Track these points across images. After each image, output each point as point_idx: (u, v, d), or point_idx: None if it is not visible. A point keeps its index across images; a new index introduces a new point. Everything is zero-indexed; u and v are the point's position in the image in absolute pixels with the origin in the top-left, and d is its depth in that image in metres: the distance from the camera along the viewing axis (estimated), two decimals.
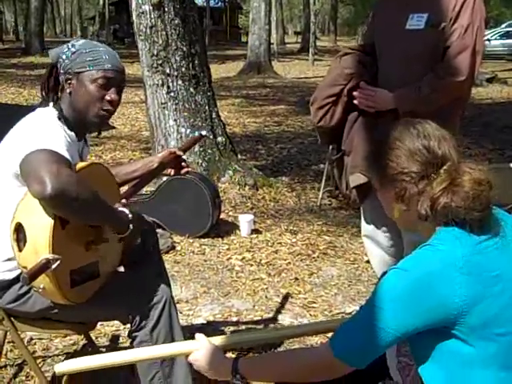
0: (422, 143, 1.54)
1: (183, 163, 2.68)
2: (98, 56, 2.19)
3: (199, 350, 1.75)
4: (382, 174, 1.60)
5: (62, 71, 2.24)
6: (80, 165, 2.11)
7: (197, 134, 2.96)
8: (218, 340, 1.84)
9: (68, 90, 2.22)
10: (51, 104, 2.25)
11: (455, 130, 2.75)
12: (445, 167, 1.52)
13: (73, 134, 2.24)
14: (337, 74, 2.91)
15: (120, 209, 2.19)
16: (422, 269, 1.45)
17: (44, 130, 2.08)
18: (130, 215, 2.19)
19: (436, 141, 1.55)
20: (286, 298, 3.79)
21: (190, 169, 2.75)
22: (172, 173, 2.67)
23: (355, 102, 2.85)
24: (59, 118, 2.20)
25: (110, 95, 2.22)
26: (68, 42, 2.31)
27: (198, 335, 1.82)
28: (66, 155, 2.02)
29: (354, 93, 2.84)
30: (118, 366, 1.86)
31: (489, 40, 25.74)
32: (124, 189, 2.60)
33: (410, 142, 1.55)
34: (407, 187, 1.55)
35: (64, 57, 2.22)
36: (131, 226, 2.18)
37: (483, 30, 2.70)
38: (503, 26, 29.43)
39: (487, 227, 1.50)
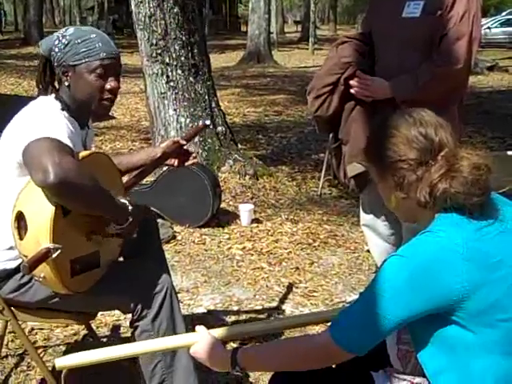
0: (419, 130, 1.55)
1: (193, 155, 2.67)
2: (91, 45, 2.15)
3: (199, 342, 1.76)
4: (381, 163, 1.61)
5: (56, 64, 2.21)
6: (82, 153, 2.11)
7: (200, 123, 2.94)
8: (218, 332, 1.84)
9: (66, 83, 2.20)
10: (52, 94, 2.24)
11: (454, 118, 2.74)
12: (442, 153, 1.53)
13: (75, 122, 2.23)
14: (333, 63, 2.90)
15: (121, 200, 2.19)
16: (422, 255, 1.45)
17: (46, 119, 2.07)
18: (130, 207, 2.18)
19: (432, 128, 1.55)
20: (286, 287, 3.80)
21: (196, 160, 2.73)
22: (176, 163, 2.66)
23: (352, 91, 2.84)
24: (61, 107, 2.19)
25: (110, 83, 2.21)
26: None
27: (198, 327, 1.82)
28: (69, 143, 2.01)
29: (351, 82, 2.83)
30: (118, 359, 1.87)
31: (489, 28, 25.66)
32: (126, 178, 2.60)
33: (406, 130, 1.56)
34: (406, 174, 1.56)
35: (56, 49, 2.18)
36: (130, 218, 2.17)
37: (480, 17, 2.69)
38: (504, 13, 29.33)
39: (487, 213, 1.51)
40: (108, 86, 2.20)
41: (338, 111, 2.90)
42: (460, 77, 2.75)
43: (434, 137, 1.54)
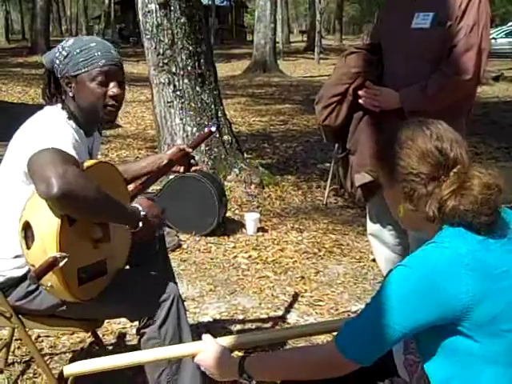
0: (435, 145, 1.53)
1: (192, 161, 2.69)
2: (90, 55, 2.17)
3: (205, 350, 1.76)
4: (392, 172, 1.59)
5: (59, 75, 2.23)
6: (87, 163, 2.12)
7: (206, 129, 2.95)
8: (224, 340, 1.85)
9: (70, 94, 2.22)
10: (59, 104, 2.26)
11: (462, 129, 2.75)
12: (455, 170, 1.52)
13: (81, 131, 2.25)
14: (342, 72, 2.91)
15: (133, 204, 2.20)
16: (428, 266, 1.45)
17: (52, 129, 2.09)
18: (142, 212, 2.19)
19: (448, 143, 1.54)
20: (292, 296, 3.80)
21: (199, 167, 2.75)
22: (181, 170, 2.67)
23: (360, 101, 2.85)
24: (67, 116, 2.21)
25: (112, 90, 2.22)
26: None
27: (205, 336, 1.82)
28: (73, 154, 2.02)
29: (360, 92, 2.84)
30: (125, 367, 1.87)
31: (495, 38, 25.64)
32: (132, 186, 2.61)
33: (422, 143, 1.54)
34: (416, 188, 1.55)
35: (58, 62, 2.21)
36: (141, 222, 2.18)
37: (489, 28, 2.69)
38: (509, 24, 29.33)
39: (494, 229, 1.50)
40: (110, 93, 2.22)
41: (347, 121, 2.91)
42: (469, 88, 2.75)
43: (450, 152, 1.53)
